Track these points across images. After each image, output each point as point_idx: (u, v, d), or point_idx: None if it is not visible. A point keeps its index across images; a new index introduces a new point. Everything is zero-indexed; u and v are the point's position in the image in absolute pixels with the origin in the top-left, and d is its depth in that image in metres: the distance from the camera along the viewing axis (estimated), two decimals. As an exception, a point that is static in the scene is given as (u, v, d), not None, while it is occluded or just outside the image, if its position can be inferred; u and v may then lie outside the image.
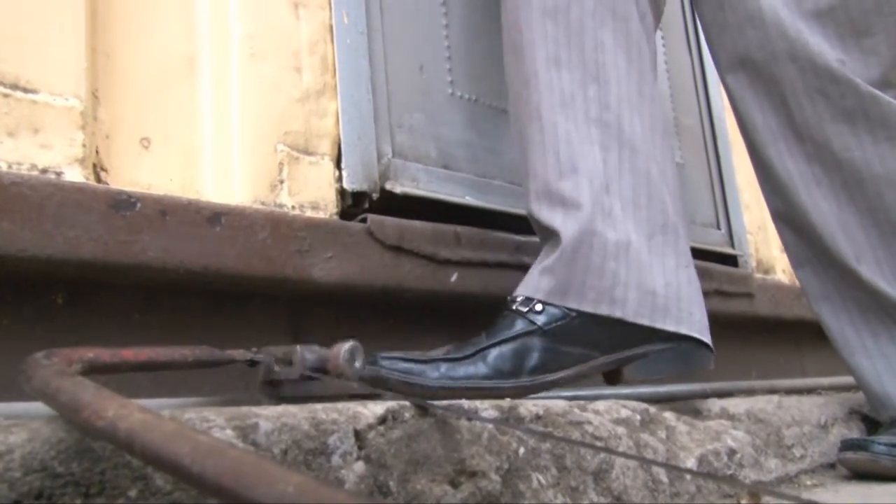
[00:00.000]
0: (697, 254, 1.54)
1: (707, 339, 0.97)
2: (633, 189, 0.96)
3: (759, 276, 1.79)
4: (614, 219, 0.93)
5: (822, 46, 1.04)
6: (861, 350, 1.10)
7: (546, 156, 0.94)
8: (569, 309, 0.90)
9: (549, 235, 0.94)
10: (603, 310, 0.91)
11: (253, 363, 0.69)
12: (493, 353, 0.86)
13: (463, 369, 0.84)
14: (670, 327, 0.94)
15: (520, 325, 0.89)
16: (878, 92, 1.04)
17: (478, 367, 0.85)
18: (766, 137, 1.11)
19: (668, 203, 0.98)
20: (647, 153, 0.97)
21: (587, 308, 0.90)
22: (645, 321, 0.92)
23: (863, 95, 1.04)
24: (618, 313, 0.91)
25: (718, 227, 1.73)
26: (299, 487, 0.31)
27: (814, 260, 1.14)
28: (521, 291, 0.92)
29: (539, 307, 0.90)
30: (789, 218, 1.15)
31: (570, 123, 0.94)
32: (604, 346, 0.91)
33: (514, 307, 0.91)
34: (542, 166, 0.95)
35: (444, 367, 0.83)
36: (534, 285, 0.92)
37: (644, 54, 1.01)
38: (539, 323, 0.89)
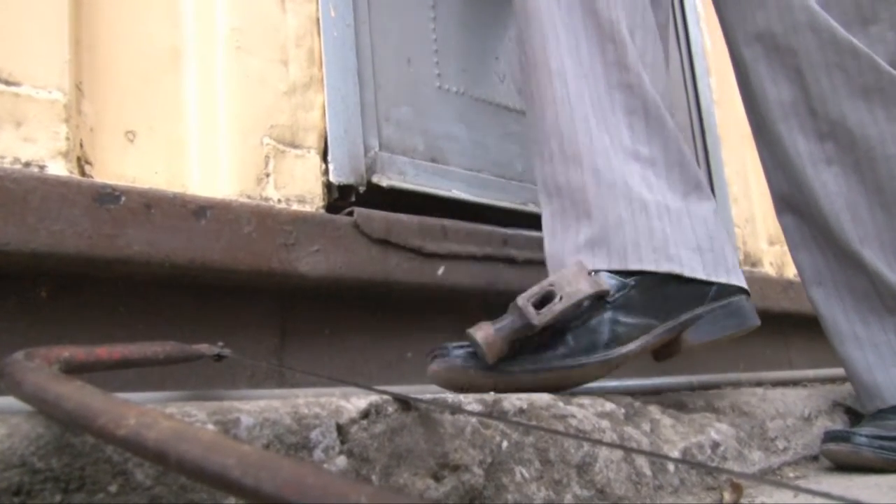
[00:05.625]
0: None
1: (747, 290, 0.97)
2: (663, 151, 0.96)
3: (746, 268, 1.80)
4: (649, 183, 0.93)
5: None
6: (852, 339, 1.10)
7: (561, 128, 0.94)
8: (628, 275, 0.90)
9: (577, 203, 0.93)
10: (663, 267, 0.90)
11: (220, 358, 0.70)
12: (568, 334, 0.86)
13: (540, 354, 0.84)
14: (723, 279, 0.93)
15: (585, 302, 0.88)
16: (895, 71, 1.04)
17: (556, 349, 0.85)
18: (777, 113, 1.10)
19: (690, 157, 0.98)
20: (665, 108, 0.97)
21: (649, 267, 0.90)
22: (700, 275, 0.92)
23: (881, 72, 1.04)
24: (676, 269, 0.91)
25: (706, 221, 1.74)
26: (372, 499, 0.30)
27: (812, 243, 1.13)
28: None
29: (602, 279, 0.89)
30: (792, 198, 1.13)
31: (591, 91, 0.94)
32: (662, 313, 0.91)
33: None
34: (559, 137, 0.94)
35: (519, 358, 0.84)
36: (588, 259, 0.91)
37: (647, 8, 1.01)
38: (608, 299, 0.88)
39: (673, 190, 0.95)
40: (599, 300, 0.88)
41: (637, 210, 0.91)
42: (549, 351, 0.85)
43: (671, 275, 0.91)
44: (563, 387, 0.87)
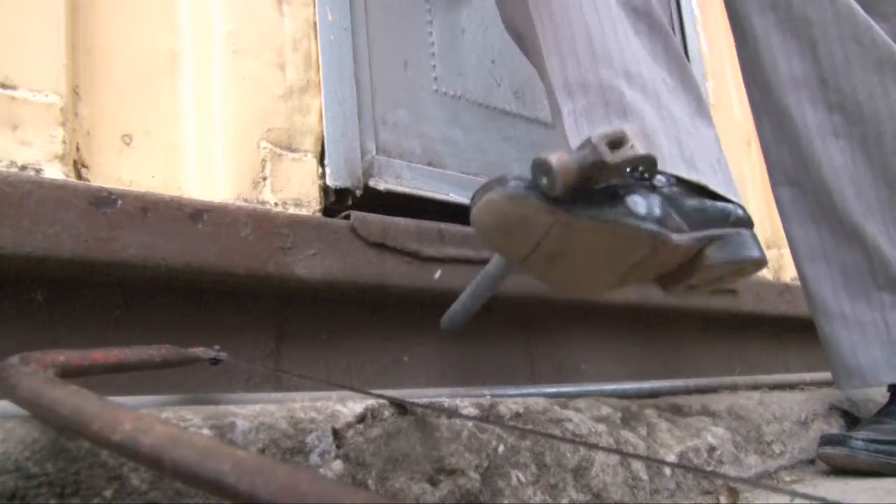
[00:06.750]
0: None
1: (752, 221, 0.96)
2: (668, 71, 0.94)
3: (743, 272, 1.79)
4: (669, 98, 0.92)
5: None
6: (839, 318, 1.10)
7: (589, 28, 0.92)
8: (665, 176, 0.87)
9: (610, 102, 0.91)
10: (693, 176, 0.89)
11: (216, 361, 0.70)
12: (632, 197, 0.82)
13: (603, 206, 0.81)
14: (734, 198, 0.92)
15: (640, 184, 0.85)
16: None
17: (614, 207, 0.82)
18: (786, 83, 1.09)
19: (696, 82, 0.96)
20: (671, 30, 0.95)
21: (682, 173, 0.88)
22: (721, 190, 0.90)
23: (895, 48, 1.03)
24: (703, 181, 0.89)
25: (703, 224, 1.74)
26: None
27: (808, 217, 1.12)
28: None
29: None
30: (792, 171, 1.13)
31: (602, 13, 0.92)
32: (690, 221, 0.88)
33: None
34: (587, 36, 0.92)
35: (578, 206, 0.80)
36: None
37: None
38: (655, 183, 0.86)
39: (682, 109, 0.93)
40: (647, 180, 0.85)
41: (667, 118, 0.90)
42: (607, 207, 0.81)
43: (698, 185, 0.89)
44: (612, 257, 0.84)
